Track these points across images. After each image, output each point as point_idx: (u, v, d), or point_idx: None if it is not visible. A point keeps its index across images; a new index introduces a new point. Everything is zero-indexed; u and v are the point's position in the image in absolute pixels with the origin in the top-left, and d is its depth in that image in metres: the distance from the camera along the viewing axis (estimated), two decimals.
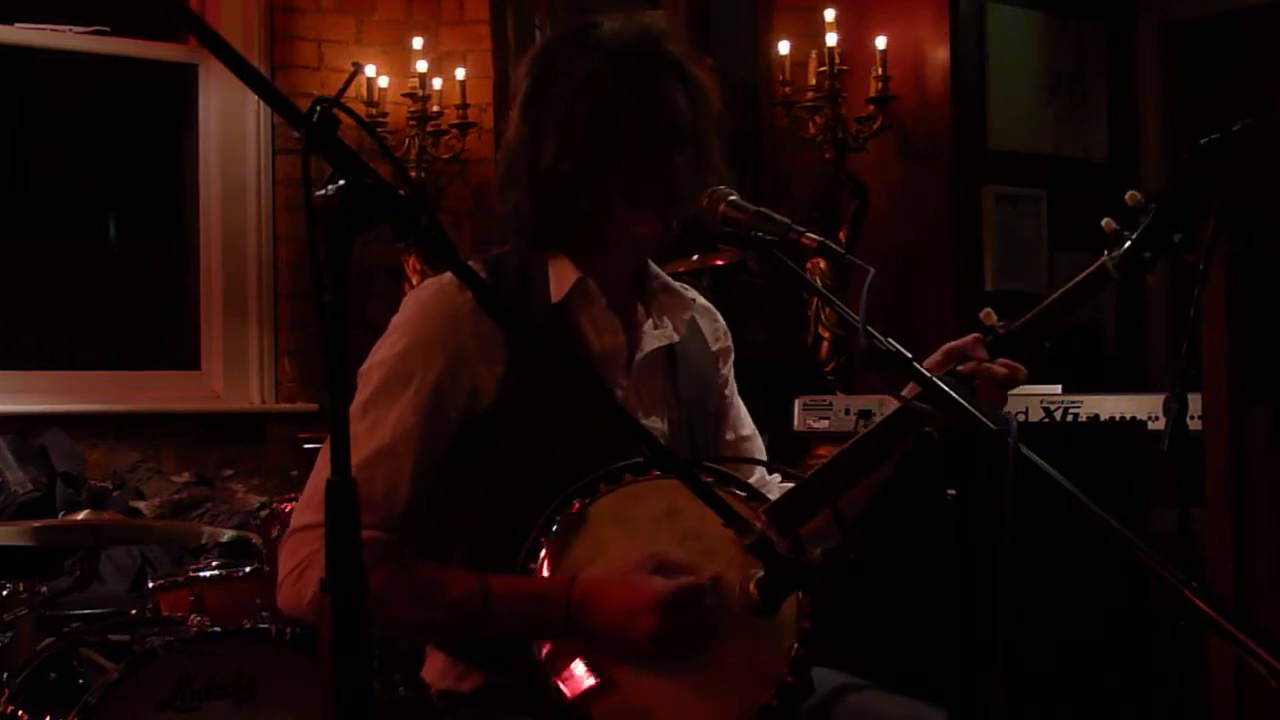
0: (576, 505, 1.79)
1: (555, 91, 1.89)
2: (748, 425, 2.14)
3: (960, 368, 1.83)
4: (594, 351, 1.93)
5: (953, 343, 1.87)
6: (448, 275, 1.88)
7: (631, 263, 1.99)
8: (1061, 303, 1.90)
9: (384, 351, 1.86)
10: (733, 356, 2.14)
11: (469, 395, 1.85)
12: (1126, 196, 1.87)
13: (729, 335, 2.15)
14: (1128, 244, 1.85)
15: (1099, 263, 1.87)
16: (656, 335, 1.99)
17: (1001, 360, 1.84)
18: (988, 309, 1.91)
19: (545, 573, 1.77)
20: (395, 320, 1.89)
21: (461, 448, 1.86)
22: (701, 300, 2.11)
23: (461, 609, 1.77)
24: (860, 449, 1.85)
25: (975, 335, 1.87)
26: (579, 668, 1.71)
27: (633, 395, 1.95)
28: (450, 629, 1.83)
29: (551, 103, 1.89)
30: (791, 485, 1.88)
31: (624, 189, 1.88)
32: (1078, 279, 1.89)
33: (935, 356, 1.85)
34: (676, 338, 2.01)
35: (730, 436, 2.10)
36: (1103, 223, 1.88)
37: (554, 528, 1.78)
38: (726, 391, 2.12)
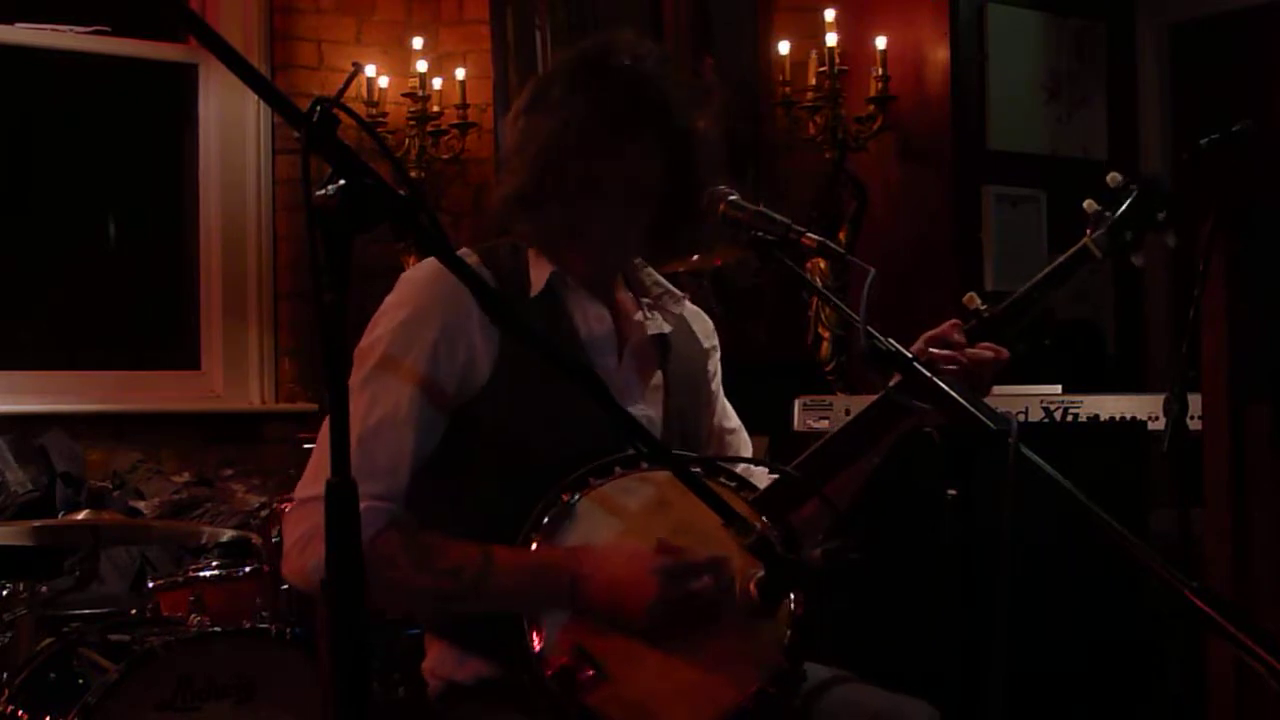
0: (566, 499, 1.79)
1: (550, 105, 1.91)
2: (734, 419, 2.17)
3: (942, 355, 1.84)
4: (581, 338, 1.94)
5: (931, 331, 1.89)
6: None
7: (603, 262, 2.00)
8: (1045, 283, 1.93)
9: (381, 328, 1.87)
10: (719, 355, 2.16)
11: (465, 368, 1.85)
12: (1108, 178, 1.89)
13: (716, 336, 2.17)
14: (1109, 223, 1.87)
15: (1081, 243, 1.90)
16: (648, 325, 2.02)
17: (983, 344, 1.87)
18: (971, 293, 1.92)
19: None
20: (390, 300, 1.90)
21: (457, 431, 1.86)
22: (691, 304, 2.14)
23: (463, 575, 1.77)
24: (844, 438, 1.87)
25: (954, 321, 1.89)
26: (573, 659, 1.71)
27: (624, 382, 1.96)
28: (451, 596, 1.80)
29: (548, 111, 1.91)
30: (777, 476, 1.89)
31: (572, 220, 1.90)
32: (1061, 259, 1.92)
33: (916, 345, 1.86)
34: (668, 328, 2.03)
35: (718, 427, 2.13)
36: (1085, 204, 1.89)
37: (544, 521, 1.78)
38: (714, 386, 2.15)
